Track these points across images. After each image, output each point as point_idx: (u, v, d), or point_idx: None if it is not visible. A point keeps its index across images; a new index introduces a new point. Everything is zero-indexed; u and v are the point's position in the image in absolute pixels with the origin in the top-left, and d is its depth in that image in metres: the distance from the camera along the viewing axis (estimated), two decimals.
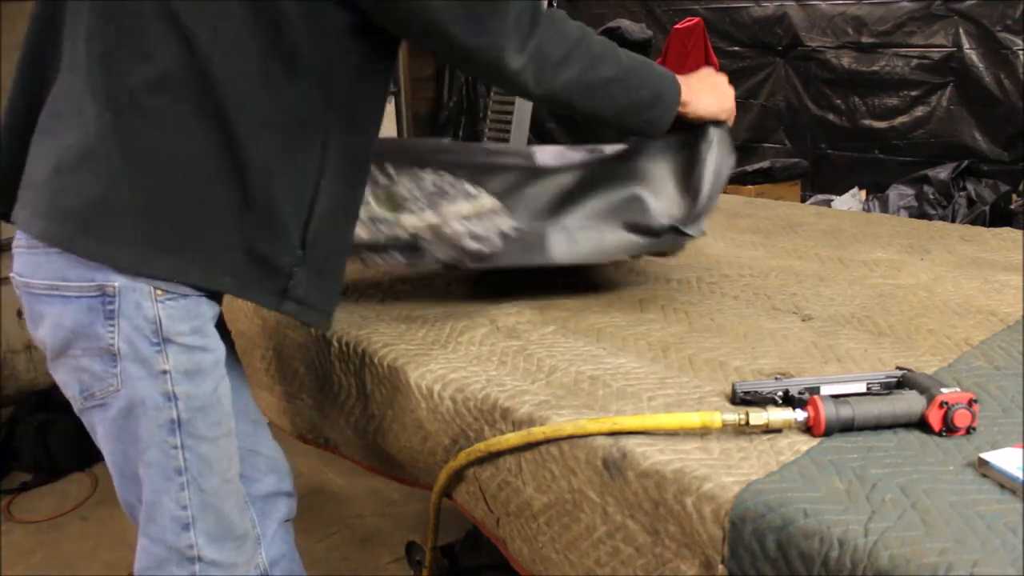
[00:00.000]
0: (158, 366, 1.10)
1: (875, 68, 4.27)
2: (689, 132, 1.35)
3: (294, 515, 1.58)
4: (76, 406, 1.17)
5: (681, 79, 1.33)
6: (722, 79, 1.41)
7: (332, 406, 1.42)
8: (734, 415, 0.97)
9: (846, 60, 4.36)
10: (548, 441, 1.05)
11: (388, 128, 5.44)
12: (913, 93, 4.20)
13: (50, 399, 2.98)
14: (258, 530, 1.37)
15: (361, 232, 1.28)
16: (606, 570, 1.04)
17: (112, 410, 1.13)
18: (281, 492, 1.52)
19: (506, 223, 1.28)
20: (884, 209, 3.98)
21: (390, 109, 5.50)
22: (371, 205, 1.29)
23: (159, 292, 1.07)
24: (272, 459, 1.47)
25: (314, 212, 1.12)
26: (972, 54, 4.01)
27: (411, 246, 1.29)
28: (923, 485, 0.87)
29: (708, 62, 4.06)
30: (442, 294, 1.55)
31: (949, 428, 0.95)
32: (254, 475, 1.40)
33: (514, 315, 1.38)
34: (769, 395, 1.02)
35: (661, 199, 1.33)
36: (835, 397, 0.99)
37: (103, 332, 1.08)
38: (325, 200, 1.13)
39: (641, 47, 4.41)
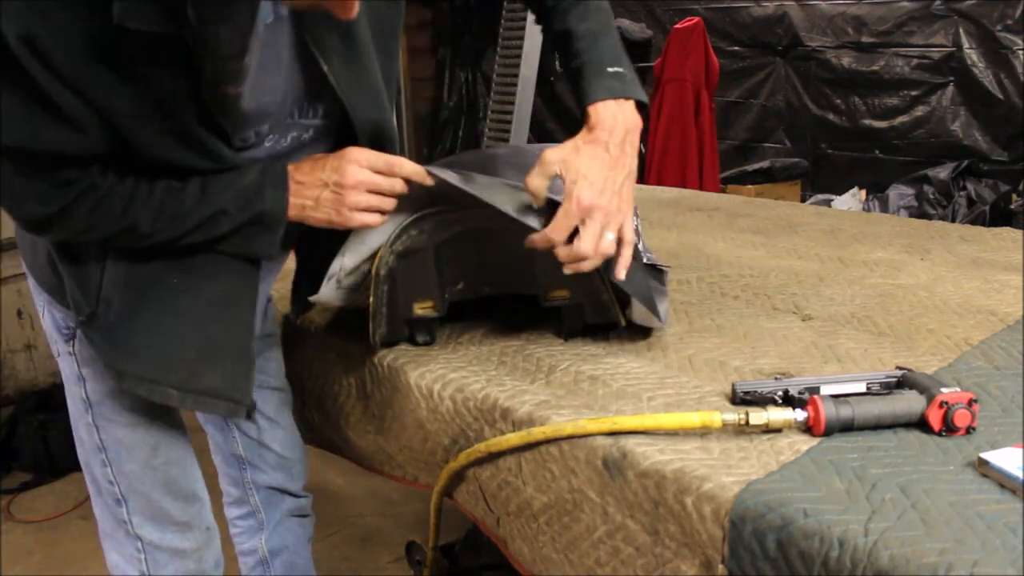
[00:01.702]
0: (68, 347, 1.23)
1: (875, 68, 4.28)
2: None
3: (308, 515, 1.60)
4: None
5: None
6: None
7: (332, 406, 1.42)
8: (734, 415, 0.97)
9: (846, 60, 4.36)
10: (548, 441, 1.05)
11: None
12: (913, 93, 4.20)
13: (50, 399, 2.98)
14: (212, 525, 1.39)
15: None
16: (606, 570, 1.04)
17: (62, 375, 1.28)
18: (287, 490, 1.54)
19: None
20: (884, 209, 3.98)
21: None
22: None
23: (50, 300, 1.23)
24: (283, 458, 1.51)
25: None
26: (972, 54, 4.01)
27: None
28: (923, 485, 0.87)
29: (708, 62, 4.06)
30: None
31: (949, 428, 0.95)
32: (261, 466, 1.51)
33: (513, 314, 1.38)
34: (769, 395, 1.02)
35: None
36: (835, 397, 0.99)
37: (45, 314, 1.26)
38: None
39: (641, 47, 4.42)
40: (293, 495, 1.56)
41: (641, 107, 1.12)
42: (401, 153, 1.18)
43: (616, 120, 1.09)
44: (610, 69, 1.12)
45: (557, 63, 5.12)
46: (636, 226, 1.30)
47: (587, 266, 1.08)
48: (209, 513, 1.38)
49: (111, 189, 1.02)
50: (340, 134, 1.15)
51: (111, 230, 1.05)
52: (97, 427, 1.24)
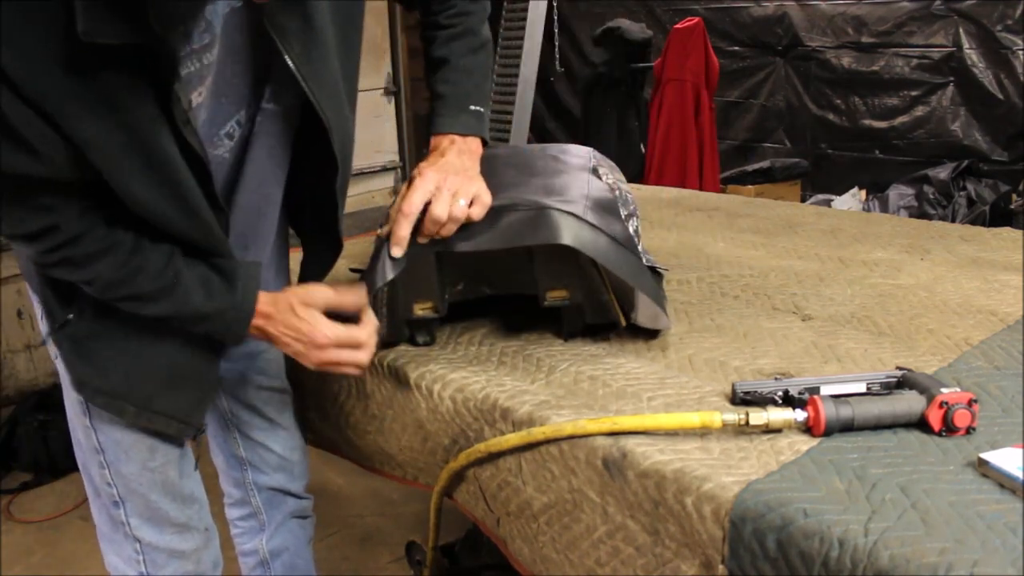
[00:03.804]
0: (61, 320, 1.17)
1: (875, 68, 4.28)
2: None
3: (309, 517, 1.60)
4: None
5: (262, 323, 1.13)
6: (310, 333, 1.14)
7: (332, 406, 1.42)
8: (734, 415, 0.97)
9: (846, 60, 4.36)
10: (548, 441, 1.05)
11: (388, 128, 5.44)
12: (913, 93, 4.20)
13: (50, 399, 2.98)
14: (211, 526, 1.39)
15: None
16: (606, 570, 1.04)
17: (60, 377, 1.25)
18: (289, 491, 1.54)
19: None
20: (884, 209, 3.98)
21: (390, 109, 5.50)
22: None
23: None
24: (285, 460, 1.51)
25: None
26: (972, 54, 4.01)
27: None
28: (923, 485, 0.87)
29: (708, 62, 4.06)
30: None
31: (949, 428, 0.95)
32: (263, 467, 1.51)
33: (513, 314, 1.38)
34: (769, 395, 1.02)
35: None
36: (835, 397, 0.99)
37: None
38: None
39: (641, 47, 4.41)
40: (295, 496, 1.56)
41: (484, 143, 1.25)
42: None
43: (453, 143, 1.20)
44: (472, 107, 1.23)
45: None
46: (636, 227, 1.30)
47: (446, 231, 1.13)
48: (208, 514, 1.38)
49: (85, 234, 1.01)
50: (296, 121, 1.16)
51: (79, 277, 1.06)
52: (95, 429, 1.23)
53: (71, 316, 1.14)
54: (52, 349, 1.23)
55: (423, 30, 1.29)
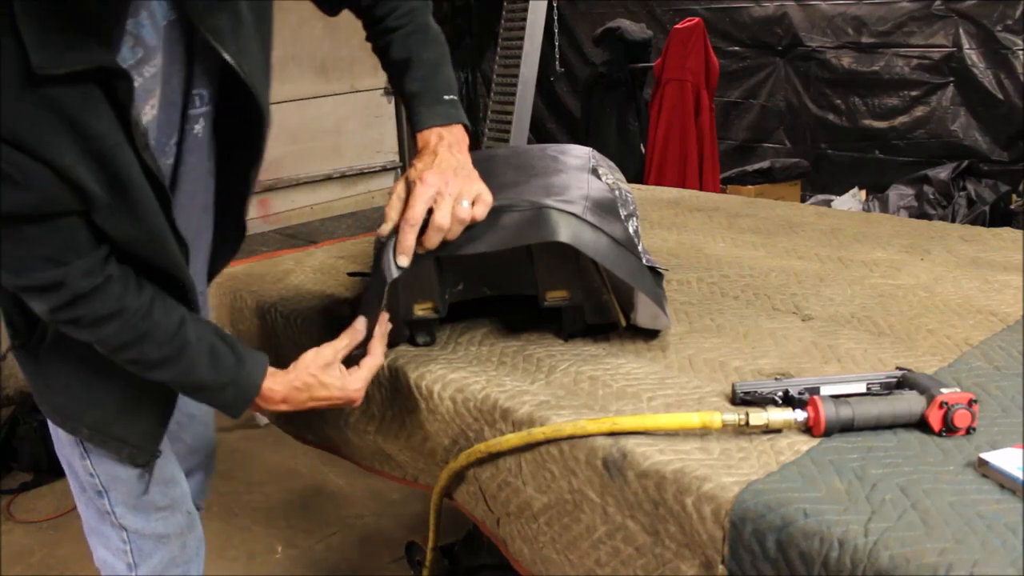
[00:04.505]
0: (23, 339, 1.19)
1: (875, 68, 4.28)
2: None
3: (201, 509, 1.59)
4: None
5: (271, 384, 1.17)
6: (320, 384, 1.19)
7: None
8: (734, 415, 0.97)
9: (846, 60, 4.36)
10: (548, 442, 1.05)
11: (388, 129, 5.44)
12: (913, 93, 4.21)
13: None
14: (193, 509, 1.41)
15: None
16: (606, 570, 1.04)
17: None
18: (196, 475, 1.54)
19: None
20: (884, 209, 3.98)
21: (390, 109, 5.50)
22: None
23: None
24: (193, 449, 1.51)
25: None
26: (972, 54, 4.01)
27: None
28: (923, 485, 0.87)
29: (708, 62, 4.06)
30: None
31: (949, 428, 0.95)
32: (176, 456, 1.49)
33: (513, 314, 1.38)
34: (769, 395, 1.02)
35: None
36: (835, 397, 0.99)
37: None
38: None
39: (641, 47, 4.41)
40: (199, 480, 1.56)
41: (466, 128, 1.23)
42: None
43: (441, 138, 1.19)
44: (446, 97, 1.23)
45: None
46: (636, 227, 1.30)
47: (451, 234, 1.13)
48: (189, 498, 1.40)
49: (94, 295, 1.02)
50: (225, 120, 1.17)
51: (87, 339, 1.07)
52: None
53: (31, 338, 1.17)
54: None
55: (374, 38, 1.29)
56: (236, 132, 1.17)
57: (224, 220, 1.28)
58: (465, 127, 1.23)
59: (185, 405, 1.43)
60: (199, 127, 1.14)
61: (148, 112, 1.04)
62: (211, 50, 1.05)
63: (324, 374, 1.16)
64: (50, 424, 1.29)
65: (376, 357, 1.19)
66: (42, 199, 0.93)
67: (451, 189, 1.12)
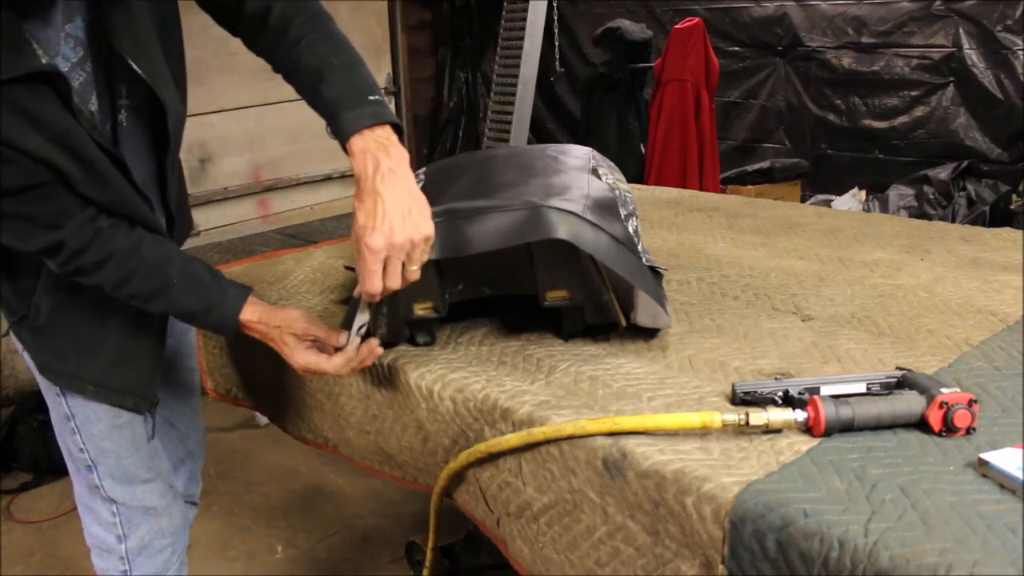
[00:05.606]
0: (20, 314, 1.33)
1: (875, 68, 4.27)
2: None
3: (196, 504, 1.71)
4: None
5: (250, 314, 1.26)
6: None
7: (332, 406, 1.42)
8: (734, 415, 0.97)
9: (846, 60, 4.35)
10: (548, 442, 1.05)
11: None
12: (913, 93, 4.20)
13: None
14: (176, 485, 1.54)
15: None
16: (607, 570, 1.04)
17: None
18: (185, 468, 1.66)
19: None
20: (884, 209, 3.98)
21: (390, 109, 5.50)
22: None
23: None
24: (184, 436, 1.64)
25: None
26: (972, 54, 4.01)
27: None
28: (923, 485, 0.87)
29: (708, 62, 4.05)
30: None
31: (949, 428, 0.95)
32: (168, 445, 1.60)
33: (513, 314, 1.38)
34: (769, 395, 1.02)
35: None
36: (835, 397, 0.99)
37: None
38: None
39: (641, 47, 4.41)
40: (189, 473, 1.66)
41: (395, 127, 1.15)
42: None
43: (376, 160, 1.10)
44: (371, 97, 1.15)
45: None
46: (636, 227, 1.30)
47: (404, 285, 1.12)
48: (172, 473, 1.54)
49: (88, 246, 1.17)
50: (150, 116, 1.27)
51: (91, 282, 1.21)
52: (64, 395, 1.37)
53: (28, 312, 1.31)
54: (16, 342, 1.38)
55: (279, 53, 1.24)
56: (158, 124, 1.27)
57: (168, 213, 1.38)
58: (395, 126, 1.14)
59: (174, 391, 1.57)
60: (123, 117, 1.25)
61: (94, 102, 1.20)
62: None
63: (286, 334, 1.24)
64: (48, 401, 1.39)
65: (330, 365, 1.20)
66: (28, 174, 1.09)
67: (398, 250, 1.07)
